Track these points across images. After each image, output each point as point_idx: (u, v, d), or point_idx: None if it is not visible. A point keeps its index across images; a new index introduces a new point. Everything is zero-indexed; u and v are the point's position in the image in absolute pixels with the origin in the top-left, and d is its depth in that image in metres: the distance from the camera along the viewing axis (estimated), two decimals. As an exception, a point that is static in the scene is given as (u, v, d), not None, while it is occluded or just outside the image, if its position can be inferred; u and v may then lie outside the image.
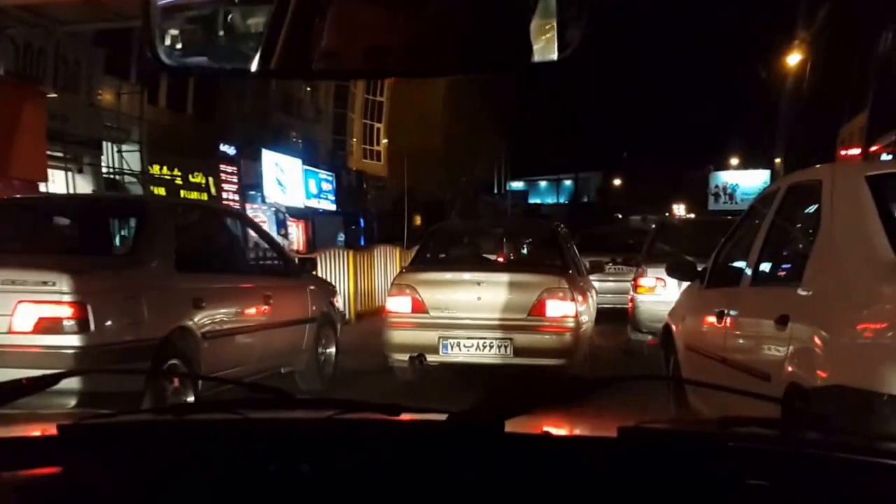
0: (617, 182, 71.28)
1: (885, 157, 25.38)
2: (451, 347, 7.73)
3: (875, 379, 2.95)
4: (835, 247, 3.69)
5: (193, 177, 22.80)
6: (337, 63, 1.54)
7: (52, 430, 1.47)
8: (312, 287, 8.11)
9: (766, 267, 4.66)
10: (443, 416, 1.48)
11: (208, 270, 6.53)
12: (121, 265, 5.94)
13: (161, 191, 20.98)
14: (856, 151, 29.33)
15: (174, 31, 1.62)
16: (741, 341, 4.61)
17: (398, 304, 7.97)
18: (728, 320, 4.83)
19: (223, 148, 24.29)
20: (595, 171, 70.70)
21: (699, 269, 5.79)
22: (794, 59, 40.57)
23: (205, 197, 22.66)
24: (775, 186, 5.28)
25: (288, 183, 26.86)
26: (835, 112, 36.33)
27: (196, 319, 6.07)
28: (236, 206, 22.99)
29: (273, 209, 24.72)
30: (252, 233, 7.96)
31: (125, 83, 20.62)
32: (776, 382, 3.70)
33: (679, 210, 75.42)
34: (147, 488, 1.36)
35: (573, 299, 7.77)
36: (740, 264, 4.97)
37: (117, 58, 19.73)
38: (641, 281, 10.31)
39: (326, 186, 29.70)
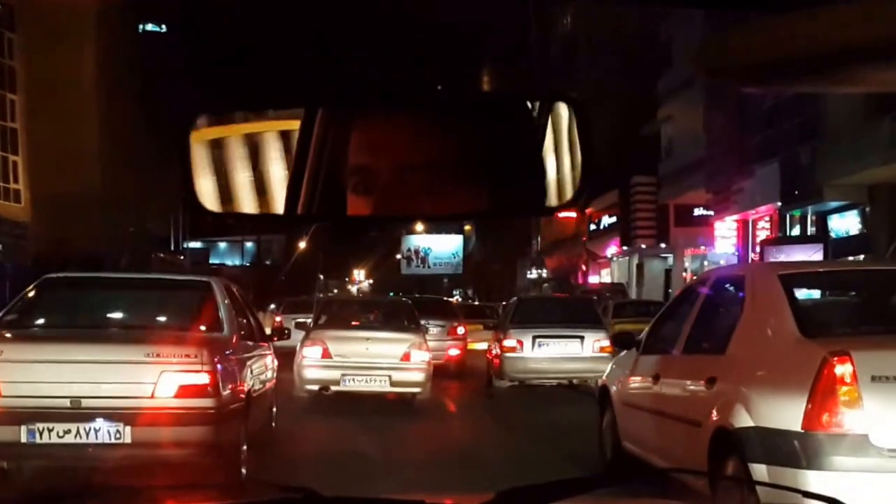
0: (302, 245, 68.49)
1: (606, 219, 23.99)
2: (349, 381, 11.90)
3: (786, 421, 4.51)
4: (756, 325, 5.33)
5: None
6: (370, 204, 1.86)
7: None
8: (272, 352, 9.55)
9: (695, 339, 6.24)
10: None
11: (249, 339, 8.12)
12: (223, 339, 7.13)
13: None
14: (572, 214, 27.87)
15: (212, 180, 1.94)
16: (674, 397, 6.20)
17: (312, 352, 12.02)
18: (662, 380, 6.51)
19: None
20: (278, 234, 68.00)
21: (636, 338, 7.72)
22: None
23: None
24: (704, 276, 7.61)
25: None
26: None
27: (250, 383, 7.47)
28: None
29: None
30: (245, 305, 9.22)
31: None
32: (705, 427, 5.26)
33: (359, 275, 73.72)
34: None
35: (426, 350, 12.31)
36: (672, 336, 6.64)
37: None
38: (506, 342, 13.93)
39: (-65, 229, 23.24)
